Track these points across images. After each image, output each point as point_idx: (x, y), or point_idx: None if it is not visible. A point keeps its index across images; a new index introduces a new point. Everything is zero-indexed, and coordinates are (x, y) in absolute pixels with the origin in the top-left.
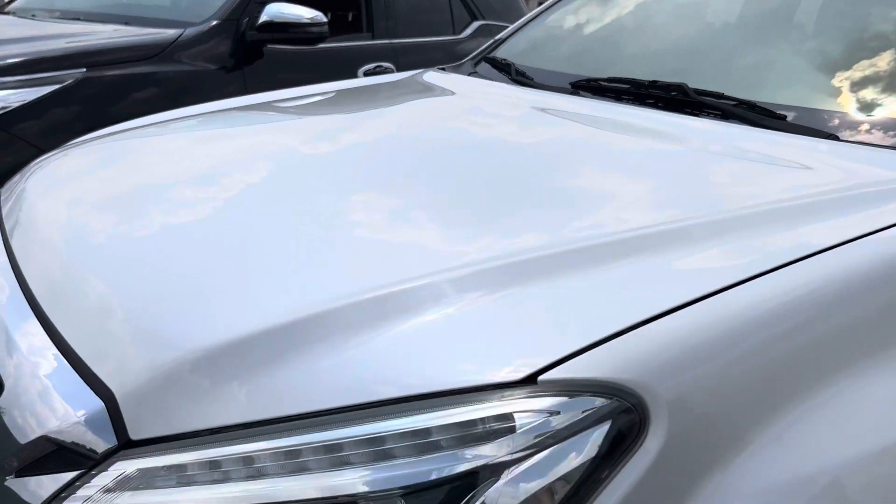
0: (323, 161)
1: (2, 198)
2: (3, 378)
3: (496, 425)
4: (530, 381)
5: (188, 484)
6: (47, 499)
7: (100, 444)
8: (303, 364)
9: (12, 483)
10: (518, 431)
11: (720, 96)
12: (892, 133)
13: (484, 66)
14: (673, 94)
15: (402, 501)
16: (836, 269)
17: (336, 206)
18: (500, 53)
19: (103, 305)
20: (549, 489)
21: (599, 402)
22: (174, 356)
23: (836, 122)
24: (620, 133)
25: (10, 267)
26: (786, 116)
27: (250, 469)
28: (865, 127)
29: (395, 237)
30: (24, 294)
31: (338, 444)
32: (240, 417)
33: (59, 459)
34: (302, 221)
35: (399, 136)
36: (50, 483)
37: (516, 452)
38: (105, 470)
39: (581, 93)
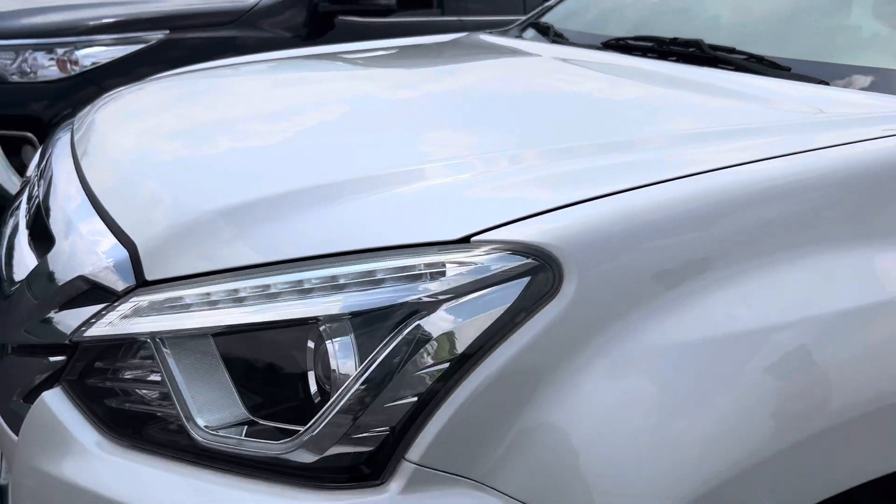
0: (371, 96)
1: (74, 126)
2: (55, 236)
3: (433, 270)
4: (465, 241)
5: (186, 310)
6: (79, 325)
7: (121, 284)
8: (289, 224)
9: (54, 315)
10: (449, 275)
11: (731, 51)
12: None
13: (529, 31)
14: (691, 49)
15: (350, 323)
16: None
17: (365, 121)
18: (545, 19)
19: (143, 188)
20: (472, 323)
21: (521, 260)
22: (183, 218)
23: (824, 71)
24: (618, 77)
25: (77, 179)
26: (779, 65)
27: (235, 298)
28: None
29: (402, 140)
30: (81, 184)
31: (306, 280)
32: (231, 263)
33: (91, 296)
34: (338, 132)
35: (439, 80)
36: (83, 314)
37: (447, 293)
38: (125, 302)
39: (607, 50)
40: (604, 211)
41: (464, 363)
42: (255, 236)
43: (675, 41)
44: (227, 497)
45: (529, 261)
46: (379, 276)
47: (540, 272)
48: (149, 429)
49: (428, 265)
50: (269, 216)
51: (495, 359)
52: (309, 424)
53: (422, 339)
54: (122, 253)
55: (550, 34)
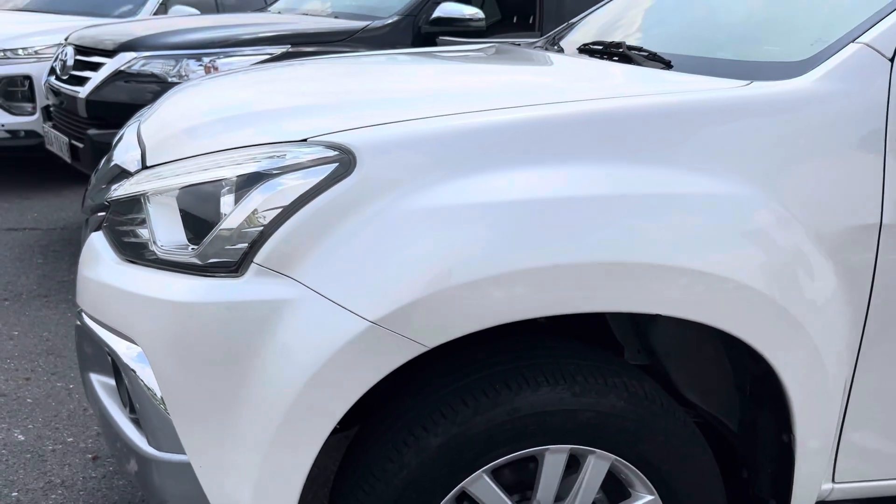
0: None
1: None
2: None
3: (281, 154)
4: (305, 140)
5: (161, 179)
6: (111, 192)
7: (134, 167)
8: (225, 131)
9: (103, 187)
10: (288, 157)
11: (640, 49)
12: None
13: (543, 42)
14: (614, 48)
15: (235, 183)
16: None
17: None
18: (562, 34)
19: (160, 128)
20: (300, 185)
21: (333, 152)
22: (166, 134)
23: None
24: (542, 66)
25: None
26: (653, 57)
27: (186, 171)
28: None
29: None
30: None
31: (220, 159)
32: (188, 154)
33: (121, 177)
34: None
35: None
36: (114, 187)
37: (288, 168)
38: (133, 177)
39: (582, 54)
40: (387, 129)
41: (291, 209)
42: (200, 140)
43: (606, 44)
44: (166, 280)
45: (338, 153)
46: (257, 157)
47: (342, 159)
48: (138, 249)
49: (280, 152)
50: (222, 130)
51: (310, 208)
52: (202, 242)
53: (270, 193)
54: (138, 152)
55: (555, 44)
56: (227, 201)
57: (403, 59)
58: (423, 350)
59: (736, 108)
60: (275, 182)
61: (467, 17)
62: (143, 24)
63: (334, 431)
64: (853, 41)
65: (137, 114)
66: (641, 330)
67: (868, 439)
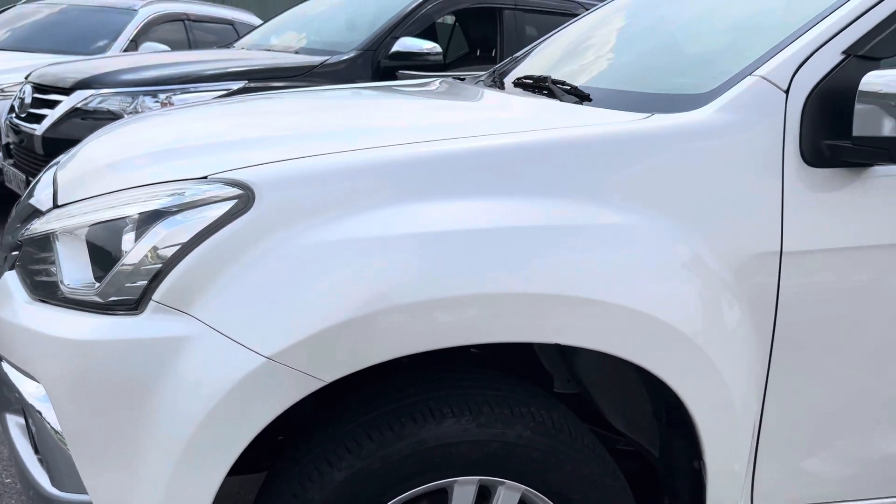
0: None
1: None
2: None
3: (181, 191)
4: (205, 178)
5: (70, 218)
6: (24, 231)
7: (46, 207)
8: (125, 169)
9: (19, 226)
10: (187, 194)
11: (562, 83)
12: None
13: (487, 76)
14: (542, 83)
15: (136, 221)
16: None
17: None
18: (506, 68)
19: (72, 170)
20: (198, 223)
21: (233, 189)
22: (78, 173)
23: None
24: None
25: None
26: (573, 91)
27: (94, 210)
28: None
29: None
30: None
31: (122, 195)
32: (96, 192)
33: (34, 216)
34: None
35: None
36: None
37: (187, 205)
38: (44, 216)
39: (517, 88)
40: (287, 165)
41: (189, 246)
42: (109, 178)
43: (535, 78)
44: (70, 319)
45: (236, 189)
46: (159, 195)
47: (241, 196)
48: (49, 289)
49: (180, 190)
50: (132, 169)
51: (208, 244)
52: (103, 281)
53: (169, 230)
54: (51, 191)
55: (496, 77)
56: (128, 239)
57: (334, 95)
58: (320, 385)
59: (631, 141)
60: (174, 219)
61: (425, 51)
62: (103, 62)
63: (253, 471)
64: (750, 74)
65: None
66: (569, 359)
67: (783, 464)
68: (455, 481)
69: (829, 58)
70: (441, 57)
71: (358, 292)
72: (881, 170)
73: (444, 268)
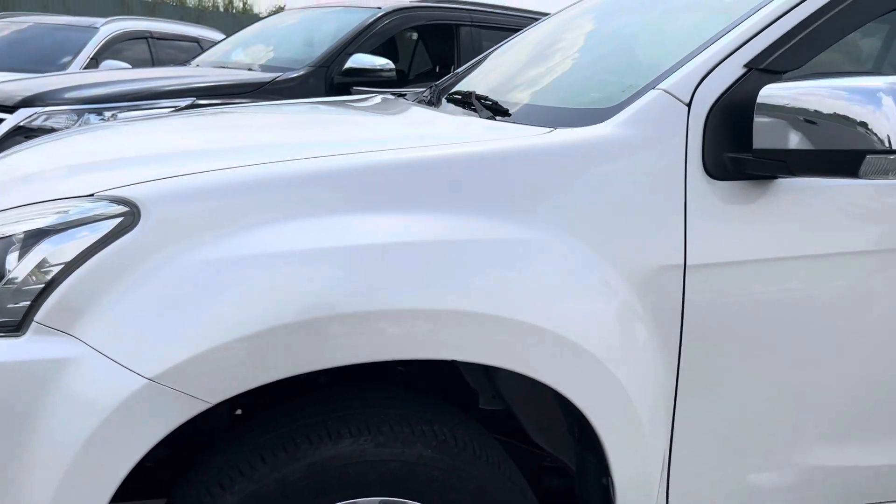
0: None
1: None
2: None
3: (65, 210)
4: (91, 195)
5: None
6: None
7: None
8: (34, 184)
9: None
10: (72, 213)
11: (484, 98)
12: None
13: (429, 91)
14: (467, 98)
15: (22, 239)
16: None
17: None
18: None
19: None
20: (81, 241)
21: (118, 206)
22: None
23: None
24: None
25: None
26: (493, 106)
27: None
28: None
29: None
30: None
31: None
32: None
33: None
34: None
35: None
36: None
37: (72, 223)
38: None
39: (449, 103)
40: (175, 182)
41: (73, 265)
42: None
43: (463, 93)
44: None
45: (122, 207)
46: (45, 213)
47: (127, 213)
48: None
49: (66, 208)
50: (26, 186)
51: (92, 263)
52: None
53: (53, 249)
54: None
55: (437, 93)
56: (12, 258)
57: (260, 111)
58: (205, 407)
59: (526, 155)
60: (59, 238)
61: (378, 67)
62: (51, 79)
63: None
64: (654, 88)
65: None
66: (491, 376)
67: (698, 479)
68: (354, 502)
69: (731, 71)
70: (394, 73)
71: (242, 311)
72: (786, 182)
73: (333, 285)
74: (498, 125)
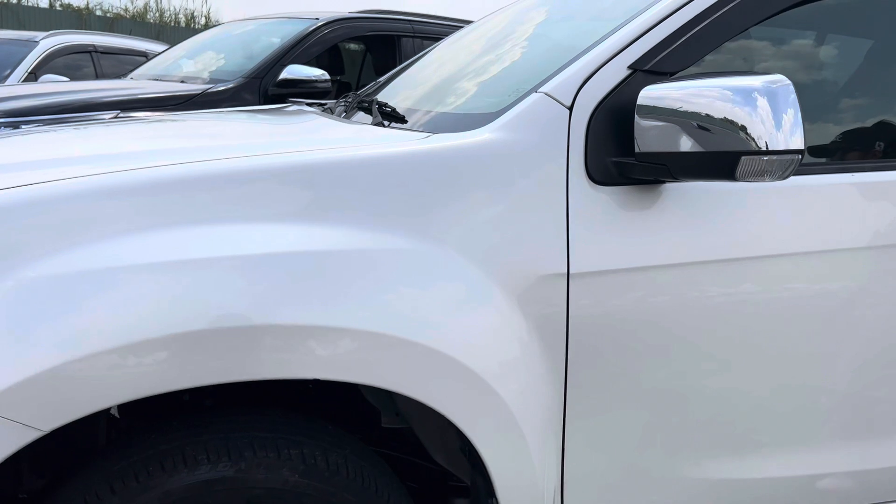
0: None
1: None
2: None
3: None
4: None
5: None
6: None
7: None
8: None
9: None
10: None
11: (384, 105)
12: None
13: (350, 100)
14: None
15: None
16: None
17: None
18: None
19: None
20: None
21: None
22: None
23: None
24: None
25: None
26: (390, 113)
27: None
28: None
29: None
30: None
31: None
32: None
33: None
34: None
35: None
36: None
37: None
38: None
39: (360, 111)
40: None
41: None
42: None
43: (368, 101)
44: None
45: None
46: None
47: None
48: None
49: None
50: None
51: None
52: None
53: None
54: None
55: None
56: None
57: (148, 122)
58: (39, 434)
59: (400, 162)
60: None
61: (313, 78)
62: None
63: None
64: (535, 91)
65: None
66: (392, 393)
67: (593, 499)
68: None
69: (615, 73)
70: (329, 84)
71: (76, 332)
72: (672, 186)
73: (171, 303)
74: (387, 132)
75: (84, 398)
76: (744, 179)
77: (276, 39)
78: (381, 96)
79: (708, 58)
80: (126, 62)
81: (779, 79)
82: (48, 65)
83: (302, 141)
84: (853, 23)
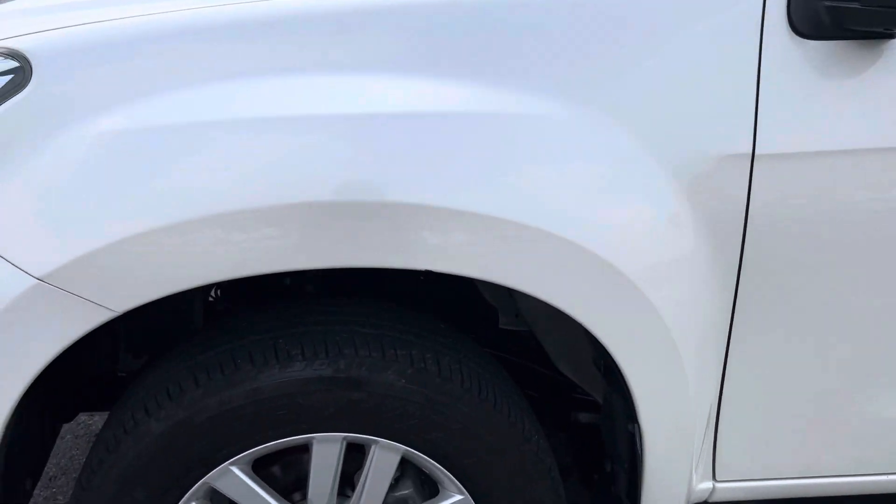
0: None
1: None
2: None
3: None
4: None
5: None
6: None
7: None
8: None
9: None
10: None
11: None
12: None
13: None
14: None
15: None
16: None
17: None
18: None
19: None
20: None
21: (6, 61)
22: None
23: None
24: None
25: None
26: None
27: None
28: None
29: None
30: None
31: None
32: None
33: None
34: None
35: None
36: None
37: None
38: None
39: None
40: (79, 32)
41: None
42: None
43: None
44: None
45: (12, 62)
46: None
47: (17, 70)
48: None
49: None
50: None
51: None
52: None
53: None
54: None
55: None
56: None
57: None
58: (111, 315)
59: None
60: None
61: None
62: None
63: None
64: None
65: None
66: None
67: (754, 431)
68: (312, 438)
69: None
70: None
71: (164, 196)
72: None
73: (281, 165)
74: None
75: (161, 277)
76: None
77: None
78: None
79: None
80: None
81: None
82: None
83: None
84: None
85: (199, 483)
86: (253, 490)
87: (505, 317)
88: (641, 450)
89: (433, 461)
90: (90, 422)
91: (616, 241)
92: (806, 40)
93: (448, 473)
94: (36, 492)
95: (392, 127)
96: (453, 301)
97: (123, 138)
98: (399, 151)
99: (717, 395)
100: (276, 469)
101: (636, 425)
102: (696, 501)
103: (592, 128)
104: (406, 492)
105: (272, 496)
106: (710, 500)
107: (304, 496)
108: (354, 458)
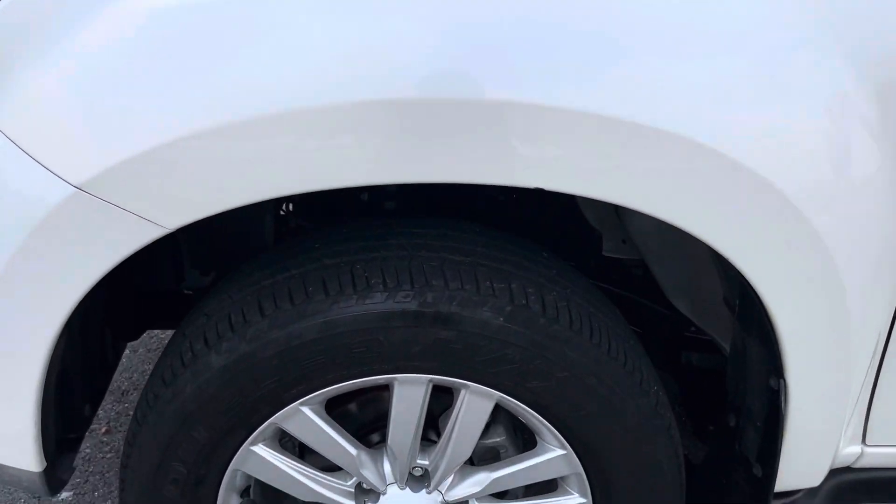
0: None
1: None
2: None
3: None
4: None
5: None
6: None
7: None
8: None
9: None
10: None
11: None
12: None
13: None
14: None
15: None
16: None
17: None
18: None
19: None
20: None
21: None
22: None
23: None
24: None
25: None
26: None
27: None
28: None
29: None
30: None
31: None
32: None
33: None
34: None
35: None
36: None
37: None
38: None
39: None
40: None
41: None
42: None
43: None
44: None
45: None
46: None
47: None
48: None
49: None
50: None
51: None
52: None
53: None
54: None
55: None
56: None
57: None
58: (163, 232)
59: None
60: None
61: None
62: None
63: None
64: None
65: None
66: (622, 212)
67: None
68: (394, 379)
69: None
70: None
71: (217, 91)
72: None
73: (363, 51)
74: None
75: (214, 190)
76: None
77: None
78: None
79: None
80: None
81: None
82: None
83: None
84: None
85: (266, 423)
86: (326, 433)
87: (610, 242)
88: (785, 407)
89: (533, 411)
90: (163, 335)
91: (770, 149)
92: None
93: (549, 425)
94: (108, 406)
95: (497, 11)
96: (546, 225)
97: (177, 16)
98: (504, 42)
99: (883, 347)
100: (352, 406)
101: (781, 381)
102: (838, 466)
103: (782, 31)
104: (497, 440)
105: (348, 440)
106: (853, 466)
107: (383, 437)
108: (441, 400)
